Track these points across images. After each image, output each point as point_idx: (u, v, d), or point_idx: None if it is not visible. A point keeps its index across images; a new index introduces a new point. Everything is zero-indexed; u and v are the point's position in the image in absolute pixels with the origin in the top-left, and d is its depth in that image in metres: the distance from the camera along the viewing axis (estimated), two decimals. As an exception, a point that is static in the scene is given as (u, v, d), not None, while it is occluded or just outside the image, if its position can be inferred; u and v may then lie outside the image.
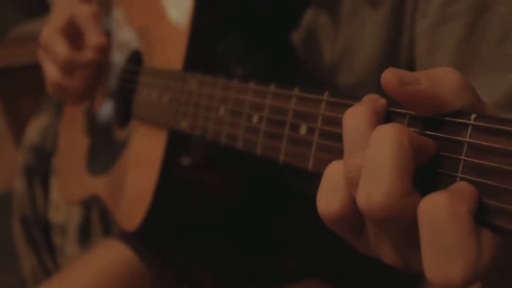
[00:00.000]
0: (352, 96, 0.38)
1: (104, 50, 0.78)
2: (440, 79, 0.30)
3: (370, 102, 0.34)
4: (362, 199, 0.29)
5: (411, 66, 0.67)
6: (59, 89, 0.80)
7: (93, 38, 0.78)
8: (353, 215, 0.33)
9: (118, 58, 0.86)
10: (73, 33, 0.80)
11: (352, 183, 0.31)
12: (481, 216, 0.28)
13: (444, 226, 0.27)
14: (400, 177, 0.28)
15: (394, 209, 0.28)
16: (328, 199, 0.33)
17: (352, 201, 0.32)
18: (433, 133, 0.31)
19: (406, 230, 0.30)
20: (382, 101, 0.34)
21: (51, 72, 0.79)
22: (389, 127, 0.29)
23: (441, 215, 0.27)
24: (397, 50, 0.68)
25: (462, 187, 0.28)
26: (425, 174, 0.29)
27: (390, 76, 0.30)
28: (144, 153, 0.73)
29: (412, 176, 0.29)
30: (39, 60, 0.82)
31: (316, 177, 0.37)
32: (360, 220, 0.33)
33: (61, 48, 0.77)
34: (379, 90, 0.32)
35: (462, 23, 0.58)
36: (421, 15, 0.62)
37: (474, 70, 0.59)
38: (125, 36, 0.86)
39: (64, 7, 0.82)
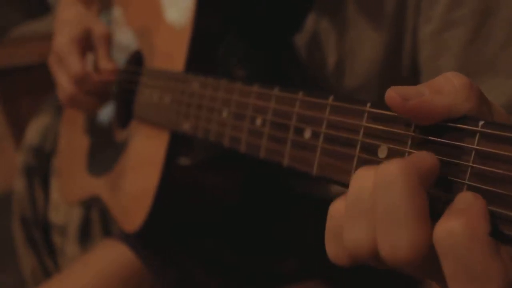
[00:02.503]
0: (357, 100, 0.37)
1: (114, 74, 0.78)
2: (443, 86, 0.30)
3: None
4: (388, 254, 0.28)
5: (415, 70, 0.67)
6: (73, 100, 0.80)
7: (104, 61, 0.78)
8: (365, 260, 0.31)
9: (119, 58, 0.86)
10: (86, 46, 0.80)
11: (355, 252, 0.30)
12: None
13: (467, 254, 0.26)
14: (421, 223, 0.27)
15: (422, 255, 0.27)
16: (336, 252, 0.32)
17: None
18: (441, 140, 0.31)
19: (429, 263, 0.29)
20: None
21: (64, 83, 0.79)
22: (395, 170, 0.28)
23: (462, 244, 0.26)
24: (399, 55, 0.68)
25: (471, 202, 0.27)
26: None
27: (392, 94, 0.30)
28: (145, 154, 0.73)
29: (429, 214, 0.28)
30: (50, 66, 0.82)
31: (315, 180, 0.37)
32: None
33: (75, 63, 0.77)
34: (380, 93, 0.32)
35: (466, 28, 0.59)
36: (424, 20, 0.62)
37: (479, 75, 0.59)
38: (126, 36, 0.86)
39: (79, 16, 0.82)
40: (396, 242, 0.27)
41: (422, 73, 0.65)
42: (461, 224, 0.26)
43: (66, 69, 0.78)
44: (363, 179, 0.30)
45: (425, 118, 0.31)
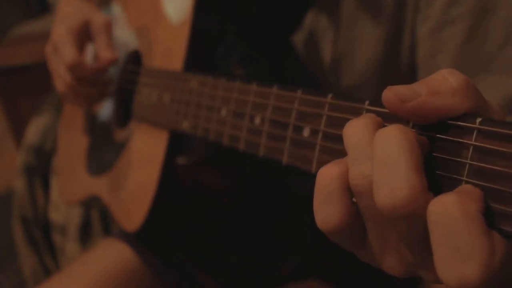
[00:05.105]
0: (356, 98, 0.38)
1: (113, 63, 0.78)
2: (440, 85, 0.30)
3: (370, 116, 0.34)
4: (385, 197, 0.29)
5: (413, 68, 0.68)
6: (70, 91, 0.80)
7: (103, 50, 0.78)
8: (354, 224, 0.33)
9: (118, 57, 0.86)
10: (84, 37, 0.80)
11: (357, 191, 0.31)
12: (486, 220, 0.28)
13: (456, 225, 0.26)
14: (418, 170, 0.28)
15: (418, 203, 0.28)
16: (326, 212, 0.33)
17: (351, 209, 0.32)
18: (439, 136, 0.31)
19: (416, 232, 0.30)
20: (379, 119, 0.34)
21: (60, 72, 0.79)
22: (393, 126, 0.30)
23: (452, 215, 0.27)
24: (397, 53, 0.68)
25: (468, 188, 0.29)
26: (430, 178, 0.29)
27: (389, 95, 0.31)
28: (145, 154, 0.73)
29: (423, 170, 0.29)
30: (46, 55, 0.82)
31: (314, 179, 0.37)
32: (361, 228, 0.33)
33: (69, 51, 0.77)
34: (379, 91, 0.32)
35: (463, 27, 0.59)
36: (422, 18, 0.63)
37: (475, 74, 0.59)
38: (125, 35, 0.86)
39: (79, 8, 0.82)
40: (395, 184, 0.28)
41: (419, 71, 0.65)
42: (453, 198, 0.27)
43: (61, 58, 0.78)
44: (356, 129, 0.32)
45: (423, 119, 0.31)
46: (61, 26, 0.79)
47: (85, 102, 0.83)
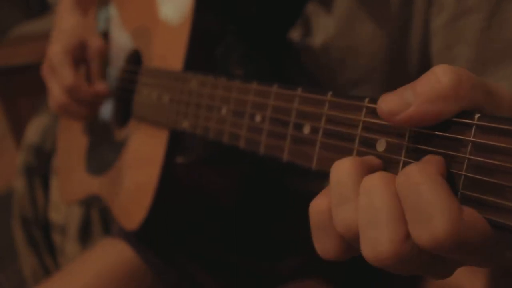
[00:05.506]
0: (356, 96, 0.38)
1: (105, 90, 0.81)
2: (430, 91, 0.30)
3: (359, 158, 0.35)
4: (369, 251, 0.30)
5: (425, 63, 0.67)
6: (64, 110, 0.82)
7: (95, 77, 0.81)
8: (351, 249, 0.34)
9: (117, 57, 0.86)
10: (79, 57, 0.83)
11: (345, 235, 0.32)
12: (484, 213, 0.28)
13: (420, 189, 0.28)
14: (399, 222, 0.29)
15: (401, 253, 0.29)
16: (323, 244, 0.34)
17: (345, 241, 0.33)
18: (438, 133, 0.31)
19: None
20: (377, 161, 0.35)
21: (56, 92, 0.81)
22: (377, 176, 0.31)
23: (416, 181, 0.28)
24: (404, 49, 0.67)
25: (428, 157, 0.31)
26: None
27: (381, 109, 0.32)
28: (145, 153, 0.73)
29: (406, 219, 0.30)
30: (43, 74, 0.84)
31: (314, 177, 0.37)
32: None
33: (67, 73, 0.79)
34: (382, 85, 0.33)
35: (480, 15, 0.58)
36: (436, 10, 0.62)
37: (495, 62, 0.58)
38: (124, 35, 0.86)
39: (77, 26, 0.84)
40: (376, 239, 0.30)
41: (434, 64, 0.64)
42: (414, 167, 0.29)
43: (58, 79, 0.80)
44: (341, 169, 0.33)
45: (415, 126, 0.32)
46: (57, 44, 0.81)
47: (78, 119, 0.86)
